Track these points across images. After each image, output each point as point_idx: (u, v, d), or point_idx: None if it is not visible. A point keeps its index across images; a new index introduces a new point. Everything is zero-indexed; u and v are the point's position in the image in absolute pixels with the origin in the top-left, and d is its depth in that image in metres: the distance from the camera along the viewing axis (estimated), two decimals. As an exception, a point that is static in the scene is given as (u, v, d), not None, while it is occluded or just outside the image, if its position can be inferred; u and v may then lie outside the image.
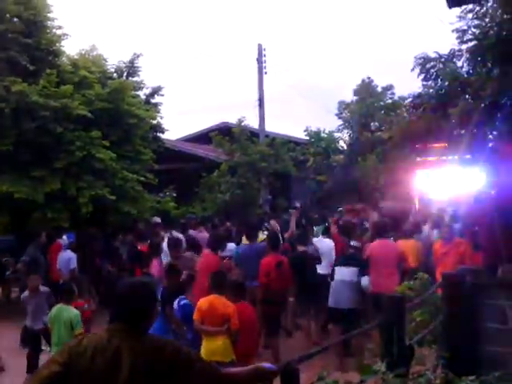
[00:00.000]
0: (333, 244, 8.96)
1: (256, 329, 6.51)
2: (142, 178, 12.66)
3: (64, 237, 10.28)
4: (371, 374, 3.24)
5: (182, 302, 6.44)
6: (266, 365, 2.97)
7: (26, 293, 7.29)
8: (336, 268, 7.55)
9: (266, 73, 21.05)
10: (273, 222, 10.32)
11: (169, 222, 13.02)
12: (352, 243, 8.02)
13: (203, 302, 6.02)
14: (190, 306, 6.21)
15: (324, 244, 8.98)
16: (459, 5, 9.23)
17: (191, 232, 10.51)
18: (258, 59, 20.95)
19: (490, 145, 15.73)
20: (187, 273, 7.02)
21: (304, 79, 59.60)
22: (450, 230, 8.43)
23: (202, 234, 10.09)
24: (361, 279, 7.33)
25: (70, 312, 6.24)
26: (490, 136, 15.78)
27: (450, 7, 5.55)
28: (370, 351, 3.96)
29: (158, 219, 12.23)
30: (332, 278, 7.61)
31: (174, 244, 8.64)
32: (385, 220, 9.14)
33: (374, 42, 62.38)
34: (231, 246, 9.35)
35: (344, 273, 7.38)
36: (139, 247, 9.69)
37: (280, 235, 9.62)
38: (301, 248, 8.61)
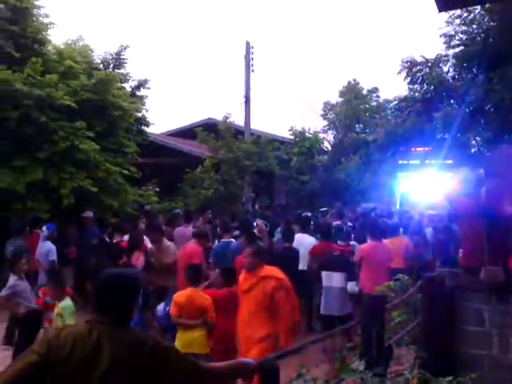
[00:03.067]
0: (312, 239, 8.97)
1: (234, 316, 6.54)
2: (125, 171, 12.56)
3: (44, 227, 10.13)
4: (350, 372, 3.26)
5: (168, 308, 6.41)
6: (246, 360, 2.97)
7: (15, 279, 7.05)
8: (323, 273, 7.33)
9: (253, 70, 21.03)
10: (259, 221, 10.34)
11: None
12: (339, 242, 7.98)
13: (180, 296, 6.04)
14: None
15: (304, 239, 8.99)
16: (447, 9, 9.29)
17: (177, 229, 10.45)
18: (245, 56, 20.91)
19: (473, 150, 15.95)
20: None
21: (291, 79, 59.77)
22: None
23: (189, 229, 9.97)
24: (347, 284, 7.18)
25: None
26: (473, 142, 16.00)
27: (438, 11, 5.58)
28: (349, 350, 3.97)
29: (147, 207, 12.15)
30: (319, 281, 7.47)
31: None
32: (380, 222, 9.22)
33: (360, 43, 62.76)
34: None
35: (333, 278, 7.22)
36: (115, 240, 9.69)
37: (267, 234, 9.67)
38: (286, 244, 8.61)
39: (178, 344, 5.69)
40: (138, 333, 2.68)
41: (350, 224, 11.79)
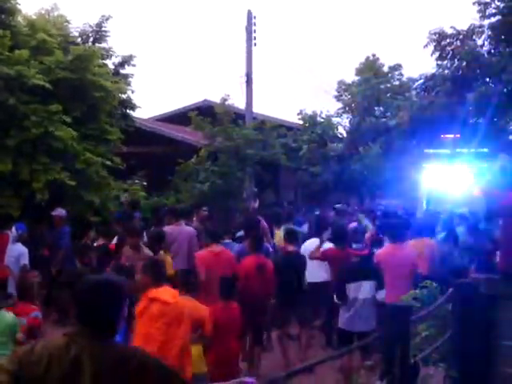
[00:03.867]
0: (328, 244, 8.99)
1: (236, 335, 6.58)
2: (108, 162, 12.56)
3: (13, 228, 10.14)
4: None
5: None
6: (249, 380, 2.97)
7: None
8: (348, 285, 7.29)
9: (255, 44, 20.98)
10: (262, 221, 10.35)
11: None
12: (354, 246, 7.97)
13: None
14: None
15: (313, 245, 9.02)
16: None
17: (167, 228, 10.46)
18: (246, 28, 20.87)
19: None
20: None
21: (299, 54, 59.63)
22: None
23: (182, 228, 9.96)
24: (377, 294, 7.22)
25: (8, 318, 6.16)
26: (512, 127, 15.96)
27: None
28: (368, 369, 3.97)
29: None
30: (339, 296, 7.46)
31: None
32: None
33: (380, 13, 62.54)
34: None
35: (361, 289, 7.25)
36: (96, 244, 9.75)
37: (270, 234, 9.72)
38: (290, 248, 8.62)
39: None
40: (124, 347, 2.69)
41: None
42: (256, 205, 13.77)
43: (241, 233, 9.51)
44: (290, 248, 8.61)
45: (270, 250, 9.53)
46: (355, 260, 7.65)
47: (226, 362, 6.04)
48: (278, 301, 8.02)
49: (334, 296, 7.59)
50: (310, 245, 9.12)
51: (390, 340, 3.82)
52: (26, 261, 9.36)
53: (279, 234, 10.58)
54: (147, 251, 8.23)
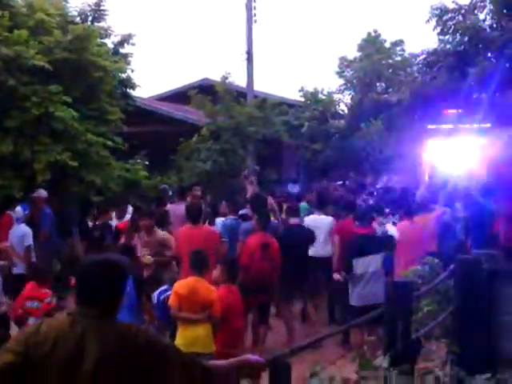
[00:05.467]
0: (331, 220, 9.06)
1: (242, 316, 6.63)
2: (109, 142, 12.54)
3: (18, 208, 10.17)
4: (372, 370, 3.30)
5: (164, 296, 6.46)
6: (253, 357, 3.00)
7: None
8: (354, 261, 7.43)
9: (255, 21, 20.83)
10: (269, 198, 10.37)
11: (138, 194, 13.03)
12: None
13: (181, 286, 6.08)
14: None
15: (319, 220, 9.06)
16: None
17: (169, 206, 10.53)
18: (246, 4, 20.71)
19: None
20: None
21: (300, 31, 59.20)
22: None
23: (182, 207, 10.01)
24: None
25: None
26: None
27: None
28: (371, 344, 4.01)
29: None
30: (348, 271, 7.59)
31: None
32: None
33: (382, -12, 61.90)
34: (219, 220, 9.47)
35: (367, 263, 7.36)
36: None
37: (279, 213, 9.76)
38: (293, 221, 8.65)
39: (179, 342, 5.73)
40: (128, 325, 2.71)
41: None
42: (250, 180, 13.48)
43: (244, 211, 9.50)
44: (293, 221, 8.66)
45: (279, 226, 9.51)
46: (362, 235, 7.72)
47: (233, 342, 6.10)
48: (282, 276, 8.03)
49: (335, 273, 7.69)
50: (315, 219, 9.15)
51: (393, 315, 3.85)
52: (30, 241, 9.41)
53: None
54: (160, 233, 8.29)
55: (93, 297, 2.66)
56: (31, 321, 6.33)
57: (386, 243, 7.70)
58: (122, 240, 8.56)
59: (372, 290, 7.22)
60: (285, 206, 10.07)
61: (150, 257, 7.71)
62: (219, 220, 9.61)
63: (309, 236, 8.48)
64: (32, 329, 2.63)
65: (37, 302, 6.65)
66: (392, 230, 8.66)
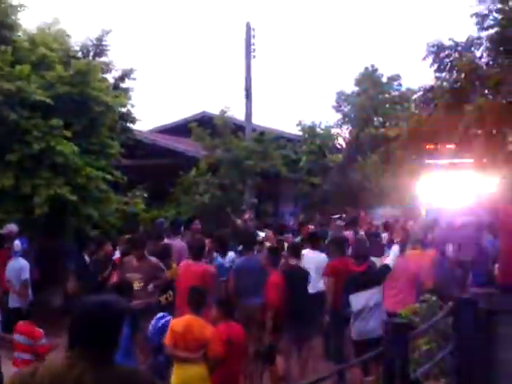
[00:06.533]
0: (323, 256, 9.01)
1: (244, 353, 6.56)
2: (109, 176, 12.57)
3: (16, 241, 10.14)
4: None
5: (163, 322, 6.42)
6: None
7: None
8: (352, 297, 7.29)
9: (254, 57, 21.08)
10: (269, 232, 10.31)
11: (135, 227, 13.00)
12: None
13: (178, 323, 6.04)
14: None
15: (312, 257, 9.01)
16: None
17: (166, 240, 10.49)
18: (245, 40, 20.96)
19: (511, 148, 15.91)
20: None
21: (298, 66, 59.80)
22: None
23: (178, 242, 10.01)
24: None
25: None
26: (511, 138, 15.94)
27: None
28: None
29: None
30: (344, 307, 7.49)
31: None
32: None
33: (379, 24, 62.77)
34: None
35: (364, 298, 7.22)
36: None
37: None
38: (293, 261, 8.54)
39: (173, 381, 5.69)
40: (127, 369, 2.70)
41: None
42: (247, 216, 13.63)
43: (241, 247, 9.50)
44: (293, 262, 8.55)
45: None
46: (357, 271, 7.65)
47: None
48: (288, 315, 7.90)
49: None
50: (308, 257, 9.12)
51: (390, 355, 3.82)
52: (26, 275, 9.38)
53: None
54: (153, 259, 8.30)
55: (92, 339, 2.63)
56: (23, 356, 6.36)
57: (382, 275, 7.62)
58: (115, 276, 8.56)
59: (369, 324, 7.16)
60: (286, 244, 9.94)
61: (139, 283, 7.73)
62: (231, 254, 9.64)
63: (306, 277, 8.45)
64: (28, 371, 2.61)
65: (24, 337, 6.58)
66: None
